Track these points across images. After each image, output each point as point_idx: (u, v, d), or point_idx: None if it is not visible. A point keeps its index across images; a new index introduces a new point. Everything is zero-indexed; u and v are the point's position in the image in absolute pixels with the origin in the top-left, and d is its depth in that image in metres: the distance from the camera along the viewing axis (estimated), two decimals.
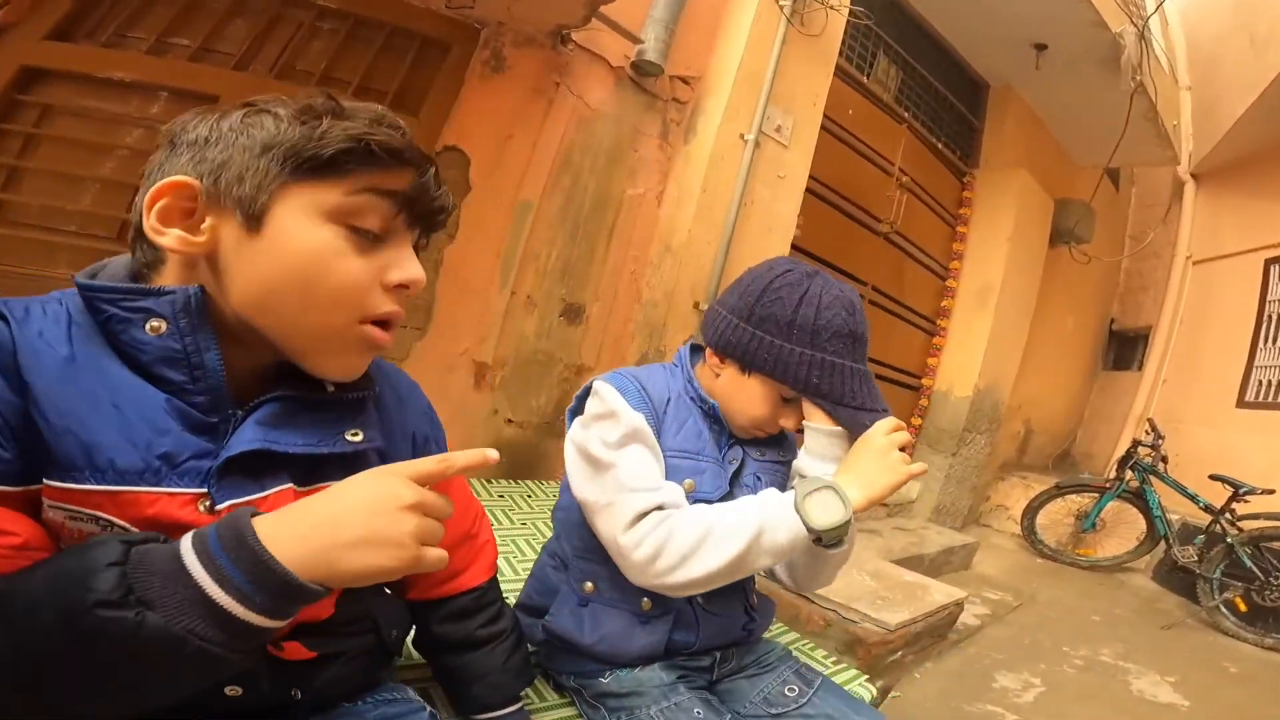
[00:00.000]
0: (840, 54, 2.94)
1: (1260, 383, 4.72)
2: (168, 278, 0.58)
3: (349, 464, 0.63)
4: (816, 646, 1.49)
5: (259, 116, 0.57)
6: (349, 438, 0.65)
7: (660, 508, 0.91)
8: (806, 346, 0.94)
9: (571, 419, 1.04)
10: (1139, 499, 4.03)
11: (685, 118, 2.48)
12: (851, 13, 2.68)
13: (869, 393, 0.97)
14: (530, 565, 1.19)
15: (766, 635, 1.45)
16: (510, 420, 2.26)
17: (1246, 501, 3.54)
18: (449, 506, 0.56)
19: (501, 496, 2.00)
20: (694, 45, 2.43)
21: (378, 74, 1.88)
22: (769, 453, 1.07)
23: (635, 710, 0.98)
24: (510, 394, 2.25)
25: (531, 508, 1.95)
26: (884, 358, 3.76)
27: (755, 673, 1.12)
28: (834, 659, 1.45)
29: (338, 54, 1.82)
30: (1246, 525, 3.46)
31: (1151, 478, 3.99)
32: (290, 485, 0.61)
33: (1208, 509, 3.67)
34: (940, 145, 3.84)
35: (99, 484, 0.52)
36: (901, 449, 0.93)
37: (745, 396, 1.00)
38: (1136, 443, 4.13)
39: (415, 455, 0.73)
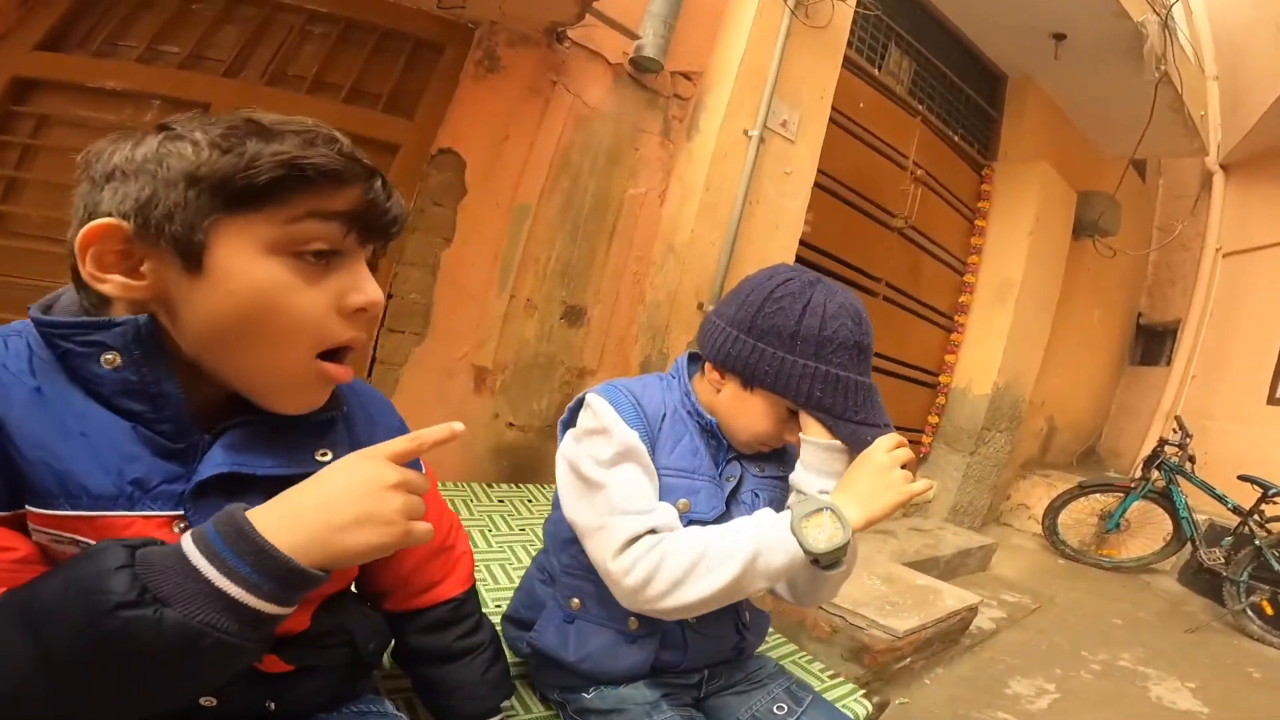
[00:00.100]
0: (849, 46, 2.88)
1: None
2: (118, 307, 0.57)
3: None
4: (814, 659, 1.47)
5: (176, 144, 0.54)
6: (318, 458, 0.66)
7: (653, 531, 0.88)
8: (810, 359, 0.91)
9: (563, 431, 1.02)
10: (1165, 499, 3.94)
11: (688, 114, 2.44)
12: (859, 3, 2.62)
13: (872, 407, 0.94)
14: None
15: (763, 645, 1.45)
16: (512, 424, 2.27)
17: (1276, 503, 3.45)
18: (426, 482, 0.57)
19: (501, 501, 2.01)
20: (695, 40, 2.40)
21: (370, 77, 1.88)
22: (769, 468, 1.04)
23: None
24: (511, 398, 2.25)
25: (531, 513, 1.95)
26: (900, 355, 3.71)
27: (745, 689, 1.11)
28: (831, 672, 1.42)
29: (329, 58, 1.82)
30: (1275, 527, 3.39)
31: (1178, 477, 3.91)
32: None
33: (1236, 510, 3.59)
34: (957, 138, 3.76)
35: (75, 510, 0.53)
36: (903, 467, 0.90)
37: (749, 412, 0.97)
38: (1163, 441, 4.04)
39: None
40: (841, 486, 0.90)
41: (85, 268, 0.54)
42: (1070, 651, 2.84)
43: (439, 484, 1.97)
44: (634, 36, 2.17)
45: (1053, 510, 4.25)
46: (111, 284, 0.54)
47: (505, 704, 0.98)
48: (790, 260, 2.56)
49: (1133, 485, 4.04)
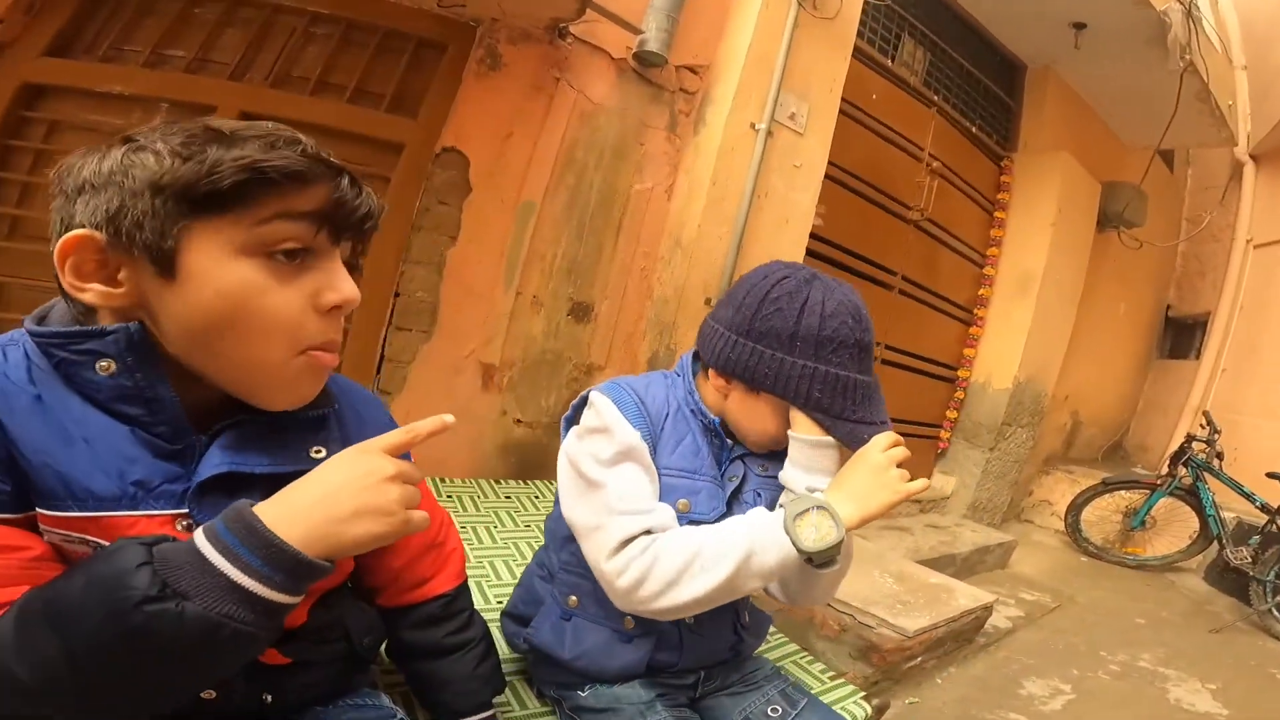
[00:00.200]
0: (860, 37, 2.86)
1: None
2: (105, 319, 0.59)
3: None
4: (815, 660, 1.48)
5: (139, 155, 0.56)
6: (313, 455, 0.68)
7: (648, 532, 0.89)
8: (810, 359, 0.91)
9: (567, 428, 1.03)
10: (1192, 496, 3.87)
11: (694, 108, 2.43)
12: None
13: (870, 405, 0.94)
14: None
15: (764, 646, 1.45)
16: (519, 421, 2.29)
17: None
18: (420, 472, 0.60)
19: (508, 498, 2.03)
20: (701, 33, 2.38)
21: (374, 77, 1.89)
22: (773, 467, 1.04)
23: None
24: (519, 394, 2.27)
25: (537, 509, 1.97)
26: (917, 349, 3.67)
27: (740, 690, 1.12)
28: (831, 674, 1.43)
29: (332, 59, 1.83)
30: None
31: (1205, 474, 3.83)
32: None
33: (1264, 508, 3.53)
34: (974, 129, 3.70)
35: (82, 511, 0.55)
36: (900, 465, 0.90)
37: (759, 415, 0.97)
38: (1190, 437, 3.96)
39: None
40: (836, 484, 0.90)
41: (65, 278, 0.56)
42: (1088, 652, 2.81)
43: (447, 480, 2.02)
44: (636, 31, 2.16)
45: (1076, 507, 4.20)
46: (91, 292, 0.56)
47: (498, 699, 1.00)
48: (800, 254, 2.54)
49: (1159, 482, 3.97)
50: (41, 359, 0.58)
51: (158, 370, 0.59)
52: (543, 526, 1.82)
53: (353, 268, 0.67)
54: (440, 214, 2.03)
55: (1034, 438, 4.23)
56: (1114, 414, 5.70)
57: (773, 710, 1.08)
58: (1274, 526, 3.41)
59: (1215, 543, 3.76)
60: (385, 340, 2.03)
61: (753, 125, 2.32)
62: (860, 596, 2.30)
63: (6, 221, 1.64)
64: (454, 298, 2.09)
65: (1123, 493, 4.12)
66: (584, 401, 1.01)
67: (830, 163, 2.65)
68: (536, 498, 2.05)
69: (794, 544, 0.84)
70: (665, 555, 0.87)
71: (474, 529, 1.78)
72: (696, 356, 1.07)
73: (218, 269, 0.56)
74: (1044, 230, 3.79)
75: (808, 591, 1.03)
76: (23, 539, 0.54)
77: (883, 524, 3.43)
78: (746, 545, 0.86)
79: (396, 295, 2.02)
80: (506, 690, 1.11)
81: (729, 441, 1.03)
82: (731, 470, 1.03)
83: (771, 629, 1.53)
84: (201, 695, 0.67)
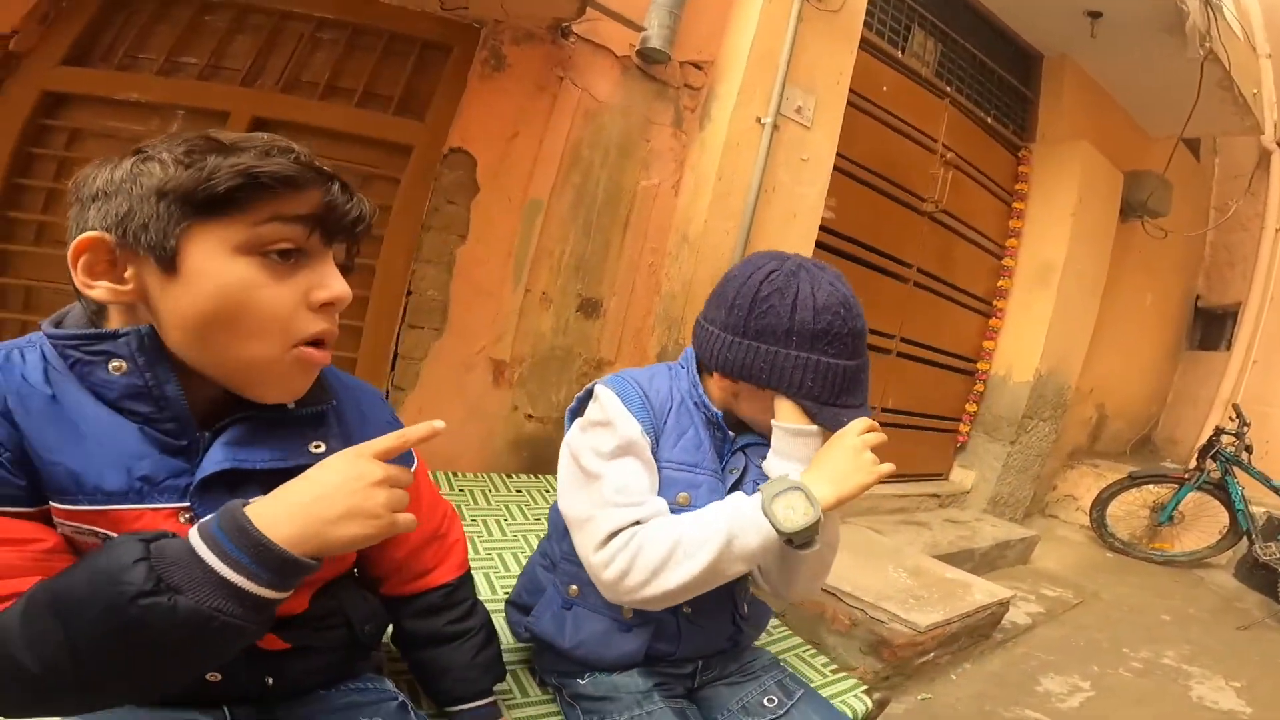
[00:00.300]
0: (868, 28, 2.84)
1: None
2: (114, 318, 0.63)
3: None
4: (818, 653, 1.48)
5: (146, 164, 0.60)
6: (312, 450, 0.70)
7: (638, 523, 0.90)
8: (805, 351, 0.92)
9: (571, 420, 1.05)
10: (1221, 491, 3.77)
11: (699, 104, 2.43)
12: None
13: (855, 390, 0.95)
14: None
15: (765, 638, 1.46)
16: (530, 416, 2.32)
17: None
18: (409, 475, 0.63)
19: (519, 492, 2.06)
20: (704, 29, 2.38)
21: (381, 80, 1.93)
22: (765, 452, 1.04)
23: (607, 715, 1.01)
24: (530, 390, 2.30)
25: (547, 502, 2.00)
26: (934, 342, 3.63)
27: (737, 680, 1.13)
28: (833, 667, 1.43)
29: (340, 63, 1.87)
30: None
31: (1234, 468, 3.73)
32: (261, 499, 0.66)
33: None
34: (990, 119, 3.64)
35: (91, 505, 0.60)
36: (875, 450, 0.90)
37: (771, 409, 0.97)
38: (1219, 430, 3.86)
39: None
40: (813, 466, 0.91)
41: (77, 276, 0.60)
42: (1110, 648, 2.76)
43: (459, 474, 2.05)
44: (639, 28, 2.16)
45: (1101, 502, 4.11)
46: (100, 289, 0.60)
47: (499, 687, 1.02)
48: (810, 248, 2.53)
49: (1187, 476, 3.88)
50: (58, 360, 0.61)
51: (166, 370, 0.62)
52: None
53: (346, 268, 0.70)
54: (449, 213, 2.06)
55: (1057, 431, 4.15)
56: (1142, 407, 5.57)
57: (769, 700, 1.08)
58: None
59: (1245, 538, 3.67)
60: (398, 338, 2.07)
61: (758, 119, 2.31)
62: (872, 591, 2.28)
63: (33, 227, 1.71)
64: (464, 296, 2.13)
65: (1150, 487, 4.02)
66: (589, 394, 1.03)
67: (840, 155, 2.63)
68: (546, 492, 2.08)
69: (772, 525, 0.85)
70: (648, 545, 0.88)
71: (484, 522, 1.81)
72: None
73: (216, 267, 0.59)
74: (1064, 220, 3.72)
75: (791, 579, 1.03)
76: (35, 532, 0.58)
77: (900, 519, 3.41)
78: (727, 530, 0.86)
79: (409, 294, 2.06)
80: (509, 679, 1.13)
81: (731, 434, 1.04)
82: (733, 463, 1.04)
83: (775, 622, 1.55)
84: (207, 678, 0.71)
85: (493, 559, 1.64)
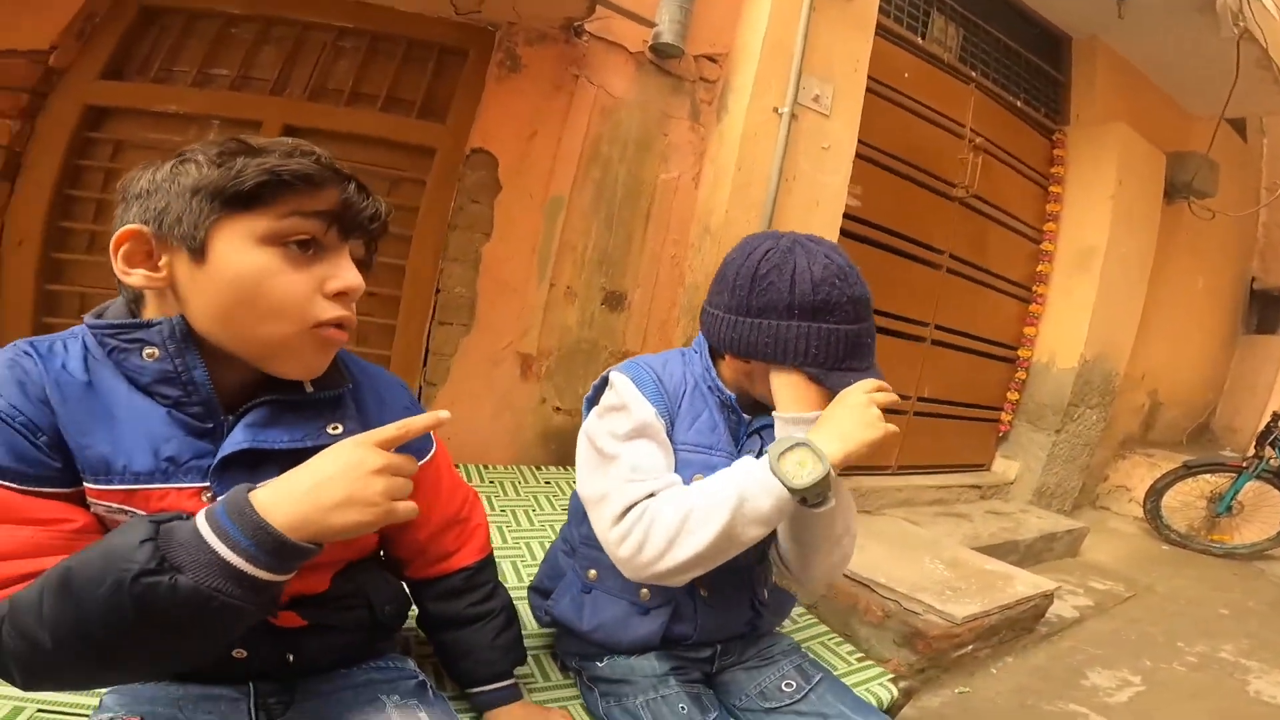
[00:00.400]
0: (887, 16, 2.80)
1: None
2: (150, 308, 0.68)
3: None
4: (843, 641, 1.45)
5: (184, 165, 0.65)
6: (330, 431, 0.73)
7: (652, 495, 0.90)
8: (808, 320, 0.91)
9: (589, 408, 1.05)
10: None
11: (716, 96, 2.42)
12: None
13: (860, 354, 0.93)
14: None
15: (790, 625, 1.44)
16: (558, 408, 2.33)
17: None
18: (412, 464, 0.65)
19: (548, 483, 2.08)
20: (716, 22, 2.37)
21: (403, 85, 1.97)
22: None
23: (623, 698, 1.01)
24: (557, 383, 2.32)
25: None
26: (970, 329, 3.53)
27: (755, 665, 1.11)
28: (859, 655, 1.39)
29: (363, 70, 1.92)
30: None
31: None
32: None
33: None
34: (1019, 103, 3.52)
35: (121, 484, 0.63)
36: (884, 410, 0.88)
37: (782, 384, 0.96)
38: (1277, 416, 3.64)
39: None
40: (820, 425, 0.89)
41: (117, 264, 0.65)
42: (1164, 642, 2.63)
43: (490, 467, 2.08)
44: (650, 24, 2.17)
45: (1155, 492, 3.93)
46: (136, 276, 0.65)
47: (520, 670, 1.03)
48: (834, 235, 2.49)
49: (1245, 464, 3.68)
50: (97, 348, 0.66)
51: (194, 356, 0.66)
52: None
53: (366, 265, 0.74)
54: (474, 212, 2.09)
55: (1106, 419, 3.98)
56: (1197, 393, 5.30)
57: (787, 685, 1.07)
58: None
59: None
60: (429, 334, 2.11)
61: (775, 110, 2.29)
62: (906, 582, 2.23)
63: (85, 236, 1.79)
64: (491, 292, 2.16)
65: (1206, 476, 3.83)
66: (605, 382, 1.03)
67: (863, 143, 2.59)
68: (574, 483, 2.07)
69: (782, 483, 0.83)
70: (660, 517, 0.87)
71: (513, 512, 1.83)
72: None
73: (239, 255, 0.63)
74: (1104, 203, 3.57)
75: (809, 563, 1.01)
76: (66, 512, 0.62)
77: (938, 510, 3.32)
78: (738, 493, 0.85)
79: (437, 292, 2.10)
80: (531, 663, 1.14)
81: (746, 416, 1.03)
82: (749, 445, 1.03)
83: (801, 611, 1.52)
84: (233, 655, 0.74)
85: (520, 548, 1.66)
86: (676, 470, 0.96)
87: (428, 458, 0.88)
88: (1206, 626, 2.82)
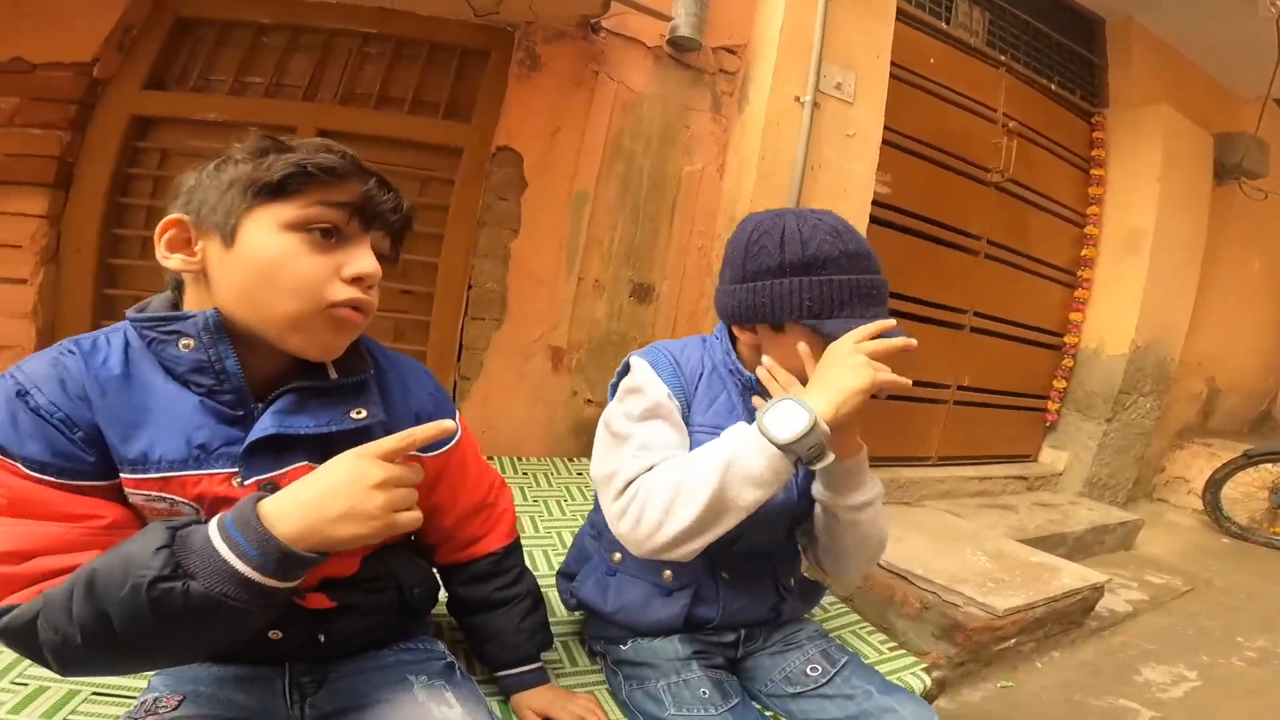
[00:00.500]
0: (909, 1, 2.73)
1: None
2: (188, 300, 0.72)
3: (358, 439, 0.72)
4: (874, 630, 1.41)
5: (224, 164, 0.70)
6: (353, 416, 0.75)
7: (650, 470, 0.90)
8: (799, 275, 0.91)
9: (613, 395, 1.06)
10: None
11: (736, 88, 2.39)
12: None
13: (859, 301, 0.91)
14: None
15: (821, 614, 1.41)
16: (590, 400, 2.34)
17: None
18: (416, 475, 0.66)
19: (580, 474, 2.09)
20: (733, 13, 2.34)
21: (428, 88, 2.01)
22: None
23: (645, 681, 1.00)
24: (588, 375, 2.33)
25: None
26: (1012, 315, 3.39)
27: (780, 650, 1.10)
28: (891, 645, 1.35)
29: (389, 75, 1.97)
30: None
31: None
32: (306, 463, 0.72)
33: None
34: (1054, 86, 3.37)
35: (157, 473, 0.67)
36: (884, 358, 0.87)
37: (794, 354, 0.95)
38: None
39: None
40: (810, 383, 0.89)
41: (159, 249, 0.70)
42: (1223, 637, 2.49)
43: (523, 459, 2.10)
44: (666, 18, 2.16)
45: (1214, 483, 3.72)
46: (175, 260, 0.69)
47: (547, 655, 1.04)
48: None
49: None
50: (137, 340, 0.70)
51: (227, 347, 0.69)
52: None
53: (390, 259, 0.77)
54: (501, 209, 2.11)
55: (1160, 408, 3.78)
56: (1258, 380, 4.97)
57: (812, 669, 1.05)
58: None
59: None
60: (463, 329, 2.14)
61: (797, 98, 2.24)
62: (946, 574, 2.16)
63: (138, 243, 1.88)
64: (520, 287, 2.17)
65: (1268, 466, 3.60)
66: (626, 367, 1.04)
67: (890, 130, 2.53)
68: None
69: (769, 440, 0.82)
70: (655, 489, 0.87)
71: (545, 502, 1.85)
72: None
73: (265, 239, 0.67)
74: (1149, 186, 3.40)
75: (839, 553, 1.04)
76: (96, 508, 0.65)
77: (981, 502, 3.21)
78: (726, 455, 0.84)
79: (469, 287, 2.13)
80: (559, 648, 1.15)
81: (770, 398, 1.02)
82: None
83: (832, 599, 1.49)
84: (269, 635, 0.77)
85: (551, 537, 1.67)
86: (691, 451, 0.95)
87: (451, 444, 0.90)
88: (1268, 622, 2.65)
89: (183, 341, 0.68)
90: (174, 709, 0.73)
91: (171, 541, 0.57)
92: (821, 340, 0.91)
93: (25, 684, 0.89)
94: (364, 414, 0.75)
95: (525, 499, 1.85)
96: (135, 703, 0.76)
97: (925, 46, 2.87)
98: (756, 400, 1.00)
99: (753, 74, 2.34)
